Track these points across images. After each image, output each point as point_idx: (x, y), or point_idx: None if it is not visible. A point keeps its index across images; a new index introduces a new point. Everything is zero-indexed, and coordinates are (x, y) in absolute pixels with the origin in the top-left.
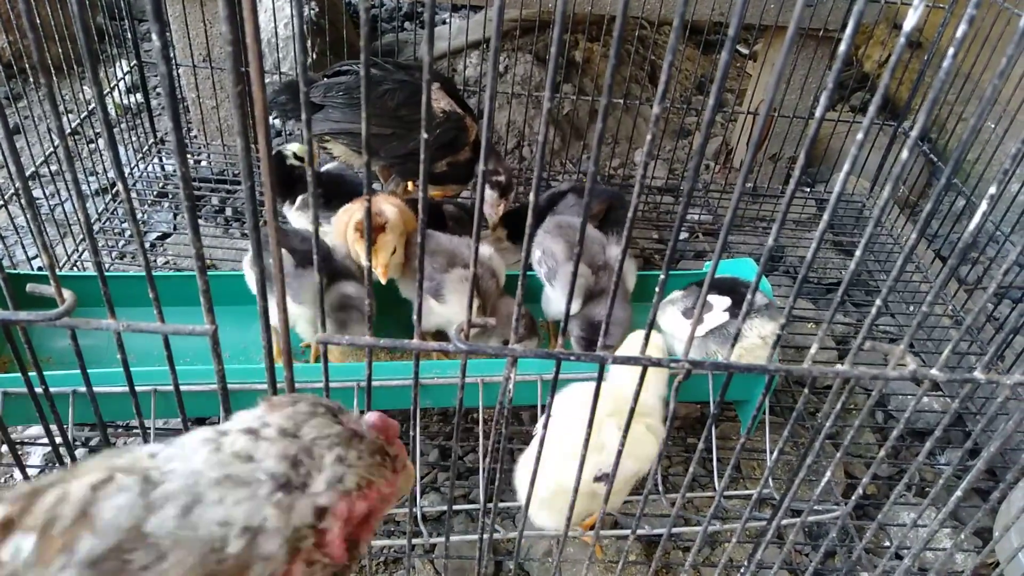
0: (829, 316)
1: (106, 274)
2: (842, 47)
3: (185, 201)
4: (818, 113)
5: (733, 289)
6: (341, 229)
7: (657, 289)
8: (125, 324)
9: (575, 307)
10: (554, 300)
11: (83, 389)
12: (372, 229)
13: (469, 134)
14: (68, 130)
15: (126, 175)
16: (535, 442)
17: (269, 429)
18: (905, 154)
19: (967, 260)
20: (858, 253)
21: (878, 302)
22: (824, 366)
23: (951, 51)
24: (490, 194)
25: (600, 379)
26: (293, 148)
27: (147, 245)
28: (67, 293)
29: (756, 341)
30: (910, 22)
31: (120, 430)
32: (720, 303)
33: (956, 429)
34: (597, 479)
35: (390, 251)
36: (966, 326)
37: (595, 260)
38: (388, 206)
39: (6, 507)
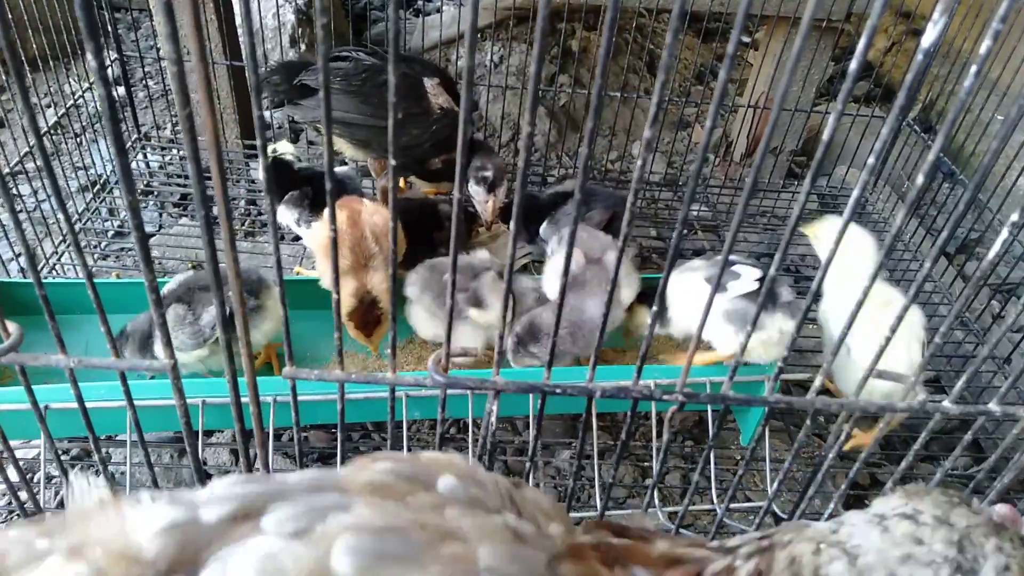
0: (830, 355)
1: (79, 281)
2: (853, 64)
3: (135, 231)
4: (825, 136)
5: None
6: (323, 243)
7: (659, 292)
8: (77, 360)
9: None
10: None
11: (57, 405)
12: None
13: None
14: (48, 125)
15: (107, 172)
16: None
17: (924, 516)
18: (921, 179)
19: (971, 255)
20: (857, 303)
21: (888, 332)
22: (828, 398)
23: (974, 68)
24: (477, 190)
25: (589, 411)
26: (280, 147)
27: (130, 246)
28: (12, 327)
29: (774, 335)
30: (929, 38)
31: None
32: (750, 273)
33: (959, 433)
34: None
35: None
36: (983, 357)
37: (591, 253)
38: (377, 239)
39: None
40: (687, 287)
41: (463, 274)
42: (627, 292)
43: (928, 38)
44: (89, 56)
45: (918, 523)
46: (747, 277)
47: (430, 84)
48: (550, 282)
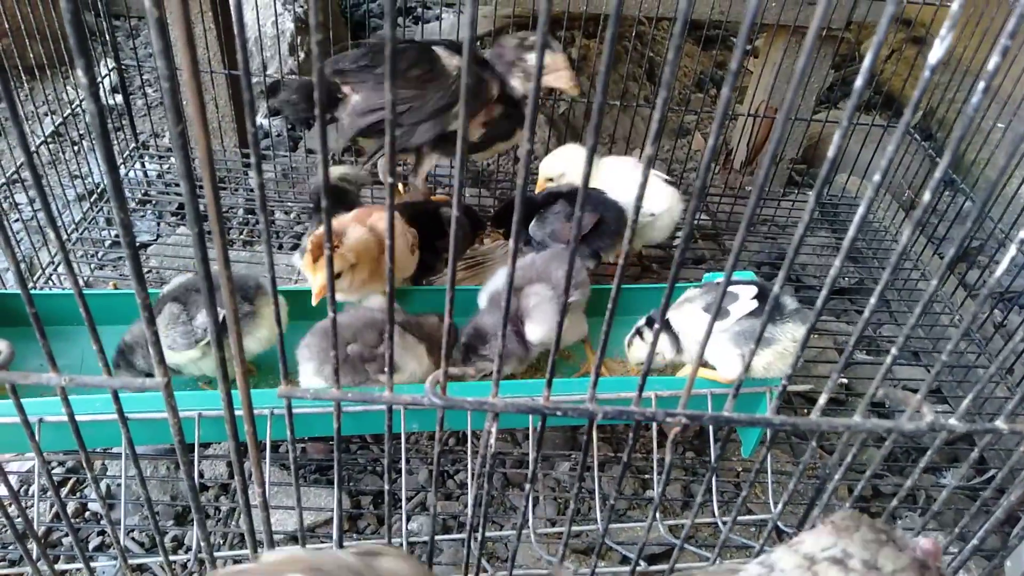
0: (836, 373)
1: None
2: (858, 82)
3: (127, 248)
4: (830, 154)
5: (758, 288)
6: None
7: (663, 300)
8: (68, 378)
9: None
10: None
11: (52, 418)
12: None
13: (490, 88)
14: (46, 134)
15: (105, 181)
16: None
17: (854, 560)
18: (928, 196)
19: (972, 263)
20: (863, 320)
21: (894, 351)
22: (832, 419)
23: (982, 84)
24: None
25: (591, 428)
26: (339, 171)
27: None
28: (3, 344)
29: (789, 346)
30: (936, 55)
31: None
32: (746, 292)
33: (961, 443)
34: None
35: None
36: (989, 374)
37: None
38: (357, 230)
39: None
40: (691, 319)
41: (368, 335)
42: (574, 332)
43: (935, 55)
44: (79, 72)
45: (847, 569)
46: (745, 296)
47: (439, 49)
48: (494, 285)
